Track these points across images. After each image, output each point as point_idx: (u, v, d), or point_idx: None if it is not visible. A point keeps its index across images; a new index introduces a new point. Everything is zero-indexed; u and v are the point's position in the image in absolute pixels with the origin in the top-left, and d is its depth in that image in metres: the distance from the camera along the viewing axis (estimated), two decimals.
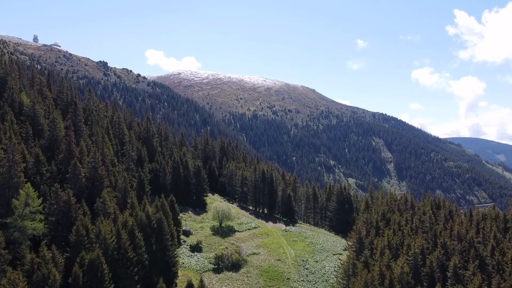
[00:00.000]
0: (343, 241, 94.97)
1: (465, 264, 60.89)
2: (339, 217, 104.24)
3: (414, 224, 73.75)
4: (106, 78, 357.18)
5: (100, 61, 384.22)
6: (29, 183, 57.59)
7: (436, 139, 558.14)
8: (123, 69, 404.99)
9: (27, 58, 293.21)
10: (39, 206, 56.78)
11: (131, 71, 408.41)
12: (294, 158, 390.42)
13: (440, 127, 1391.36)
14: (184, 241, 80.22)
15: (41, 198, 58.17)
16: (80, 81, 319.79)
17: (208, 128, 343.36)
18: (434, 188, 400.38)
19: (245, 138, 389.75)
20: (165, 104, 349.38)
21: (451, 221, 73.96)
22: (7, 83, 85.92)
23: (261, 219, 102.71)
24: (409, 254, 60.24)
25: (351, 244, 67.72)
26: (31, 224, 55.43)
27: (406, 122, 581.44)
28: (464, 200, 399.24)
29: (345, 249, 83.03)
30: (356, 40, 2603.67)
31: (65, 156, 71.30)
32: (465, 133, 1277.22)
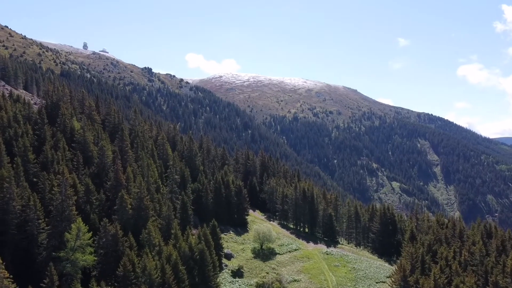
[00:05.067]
0: (386, 265, 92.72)
1: None
2: (382, 239, 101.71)
3: (463, 258, 70.77)
4: (151, 84, 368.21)
5: (145, 67, 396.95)
6: (80, 218, 60.55)
7: (487, 140, 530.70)
8: (166, 74, 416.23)
9: (78, 67, 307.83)
10: (89, 239, 59.71)
11: (174, 76, 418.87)
12: (335, 161, 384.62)
13: (490, 125, 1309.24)
14: (226, 265, 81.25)
15: (91, 231, 61.01)
16: (126, 87, 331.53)
17: (249, 132, 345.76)
18: (485, 193, 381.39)
19: (285, 141, 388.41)
20: (207, 108, 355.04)
21: (503, 255, 70.30)
22: (59, 109, 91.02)
23: (302, 239, 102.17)
24: None
25: (395, 280, 65.96)
26: (82, 256, 58.46)
27: (454, 122, 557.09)
28: None
29: (388, 277, 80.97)
30: (397, 39, 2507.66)
31: (112, 184, 74.48)
32: None
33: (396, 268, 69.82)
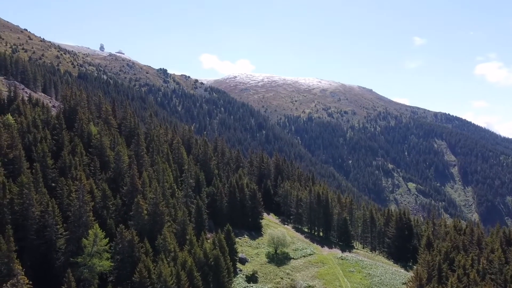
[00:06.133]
0: (402, 271, 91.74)
1: None
2: (398, 244, 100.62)
3: (481, 266, 69.46)
4: (166, 85, 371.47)
5: (160, 68, 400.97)
6: (97, 224, 61.47)
7: (506, 139, 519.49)
8: (181, 75, 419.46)
9: (94, 68, 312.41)
10: (106, 245, 60.58)
11: (189, 77, 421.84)
12: (350, 162, 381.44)
13: (510, 125, 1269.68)
14: (240, 270, 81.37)
15: (108, 237, 61.85)
16: (142, 88, 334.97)
17: (264, 132, 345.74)
18: (504, 194, 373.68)
19: (300, 141, 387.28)
20: (222, 109, 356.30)
21: None
22: (77, 114, 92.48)
23: (317, 244, 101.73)
24: None
25: None
26: (99, 262, 59.34)
27: (472, 122, 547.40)
28: None
29: (404, 283, 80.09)
30: (413, 38, 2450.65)
31: (129, 189, 75.33)
32: None
33: (413, 275, 68.99)
